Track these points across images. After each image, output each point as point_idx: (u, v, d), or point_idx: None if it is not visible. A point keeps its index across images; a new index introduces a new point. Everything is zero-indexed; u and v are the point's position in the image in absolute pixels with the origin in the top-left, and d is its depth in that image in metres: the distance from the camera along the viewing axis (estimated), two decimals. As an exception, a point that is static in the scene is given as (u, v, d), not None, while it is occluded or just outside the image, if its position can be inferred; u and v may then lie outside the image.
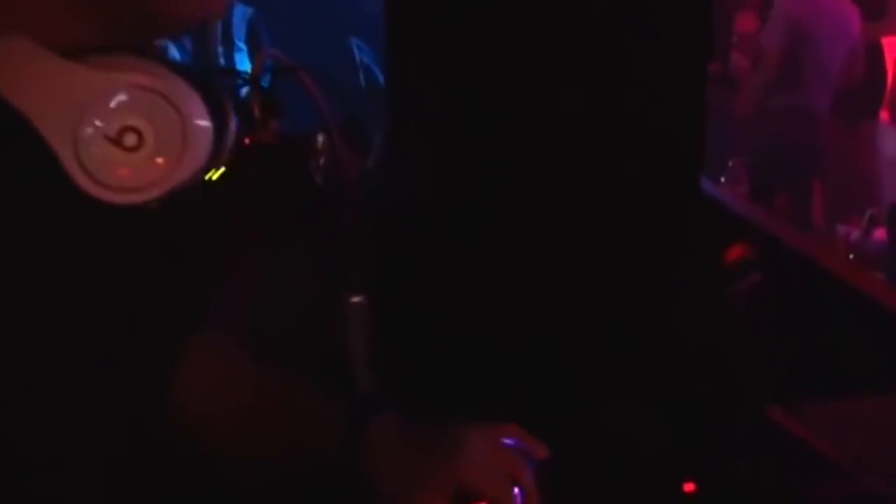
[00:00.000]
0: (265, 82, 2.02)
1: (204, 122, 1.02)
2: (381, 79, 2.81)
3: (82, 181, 0.99)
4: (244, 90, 1.97)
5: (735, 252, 2.15)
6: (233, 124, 1.06)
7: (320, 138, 2.00)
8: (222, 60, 5.62)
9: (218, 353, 1.35)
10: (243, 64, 6.04)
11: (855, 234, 5.10)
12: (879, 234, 5.25)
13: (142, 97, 0.99)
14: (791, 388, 1.67)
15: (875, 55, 6.81)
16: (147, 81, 1.00)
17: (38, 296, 1.03)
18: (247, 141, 1.87)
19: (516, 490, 1.33)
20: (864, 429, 1.51)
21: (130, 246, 1.16)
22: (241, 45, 6.53)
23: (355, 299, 1.76)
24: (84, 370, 1.07)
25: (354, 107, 2.41)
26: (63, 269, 1.06)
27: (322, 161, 1.99)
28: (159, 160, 1.00)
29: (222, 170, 1.60)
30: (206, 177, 1.16)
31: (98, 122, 0.99)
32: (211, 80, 1.05)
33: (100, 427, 1.11)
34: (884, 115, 6.99)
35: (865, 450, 1.46)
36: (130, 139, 1.00)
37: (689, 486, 1.39)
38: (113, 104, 0.99)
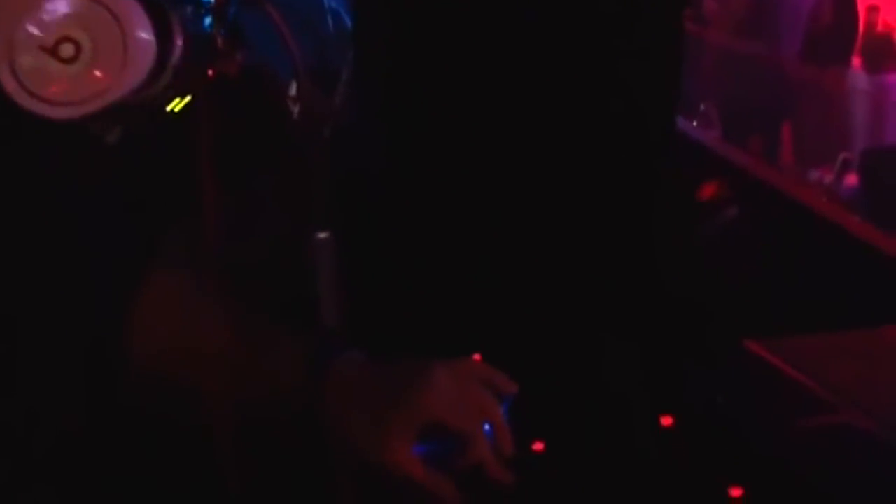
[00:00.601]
0: (229, 13, 1.96)
1: (146, 35, 0.98)
2: (349, 24, 2.76)
3: (16, 94, 0.95)
4: (207, 21, 1.91)
5: (712, 188, 2.13)
6: (179, 40, 1.01)
7: (294, 85, 1.96)
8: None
9: (180, 289, 1.30)
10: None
11: (828, 179, 5.10)
12: (851, 179, 5.25)
13: (80, 6, 0.95)
14: (769, 322, 1.64)
15: (848, 1, 6.79)
16: None
17: None
18: (210, 73, 1.81)
19: (487, 427, 1.29)
20: (842, 362, 1.49)
21: (88, 179, 1.12)
22: (207, -11, 6.45)
23: (321, 235, 1.72)
24: (39, 299, 1.04)
25: (322, 42, 2.36)
26: (13, 200, 1.02)
27: (295, 102, 1.95)
28: (98, 73, 0.96)
29: (185, 101, 1.55)
30: (168, 108, 1.12)
31: (33, 32, 0.94)
32: None
33: (55, 361, 1.08)
34: (855, 61, 6.98)
35: (844, 383, 1.43)
36: (67, 50, 0.95)
37: (666, 421, 1.36)
38: (49, 13, 0.94)
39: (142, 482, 1.31)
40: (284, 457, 1.32)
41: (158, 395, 1.28)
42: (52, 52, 0.95)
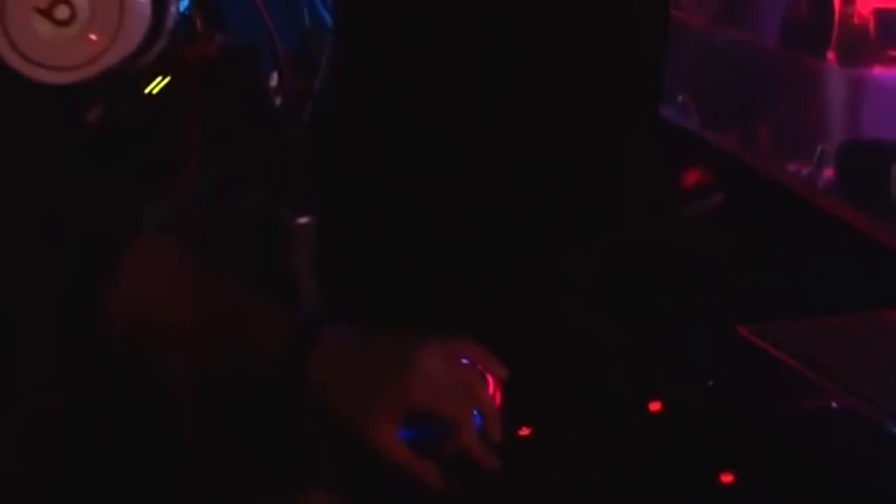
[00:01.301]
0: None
1: None
2: (325, 17, 2.74)
3: (10, 57, 0.93)
4: (186, 2, 1.89)
5: (697, 174, 2.12)
6: (174, 7, 0.99)
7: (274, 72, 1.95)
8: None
9: (161, 256, 1.28)
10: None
11: (806, 171, 5.09)
12: (829, 173, 5.24)
13: None
14: (758, 307, 1.63)
15: (824, -7, 6.79)
16: None
17: None
18: (189, 54, 1.79)
19: (476, 412, 1.26)
20: (833, 346, 1.48)
21: (67, 152, 1.10)
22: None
23: (302, 220, 1.70)
24: (17, 266, 1.02)
25: (302, 30, 2.34)
26: None
27: (276, 90, 1.94)
28: (93, 36, 0.94)
29: (165, 82, 1.53)
30: (147, 90, 1.10)
31: None
32: None
33: (32, 332, 1.06)
34: (830, 55, 6.98)
35: (835, 367, 1.42)
36: (62, 12, 0.93)
37: (655, 406, 1.35)
38: None
39: (114, 452, 1.28)
40: (263, 425, 1.29)
41: (135, 361, 1.25)
42: (47, 13, 0.93)
